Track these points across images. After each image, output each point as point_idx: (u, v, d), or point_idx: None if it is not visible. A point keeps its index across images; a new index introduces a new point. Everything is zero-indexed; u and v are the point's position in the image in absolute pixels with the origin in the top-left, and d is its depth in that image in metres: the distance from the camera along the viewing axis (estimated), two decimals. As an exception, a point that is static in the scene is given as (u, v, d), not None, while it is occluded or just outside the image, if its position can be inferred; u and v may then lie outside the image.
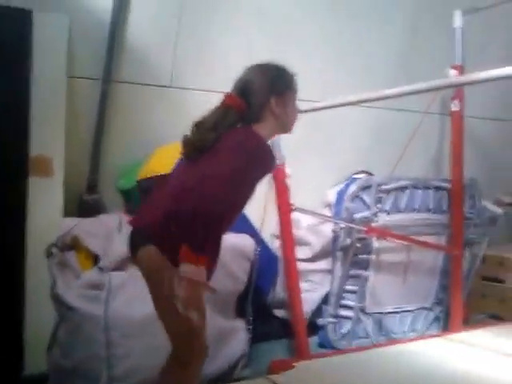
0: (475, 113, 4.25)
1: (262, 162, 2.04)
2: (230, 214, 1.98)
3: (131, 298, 2.84)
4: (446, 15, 3.94)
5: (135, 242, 2.04)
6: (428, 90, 2.80)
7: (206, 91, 3.71)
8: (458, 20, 3.92)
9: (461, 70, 3.85)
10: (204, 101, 3.70)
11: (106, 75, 3.44)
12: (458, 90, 3.87)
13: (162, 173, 3.20)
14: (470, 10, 3.89)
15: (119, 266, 2.99)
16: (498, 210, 4.42)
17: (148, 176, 3.29)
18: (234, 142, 1.99)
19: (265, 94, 2.07)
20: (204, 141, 2.02)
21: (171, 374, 2.05)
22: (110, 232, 3.15)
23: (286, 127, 2.20)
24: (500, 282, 4.48)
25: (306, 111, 3.35)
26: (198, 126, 2.06)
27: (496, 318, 4.37)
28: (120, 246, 2.98)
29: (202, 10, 3.62)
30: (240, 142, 1.99)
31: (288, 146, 3.22)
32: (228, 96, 2.10)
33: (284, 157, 3.26)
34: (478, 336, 3.73)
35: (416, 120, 3.98)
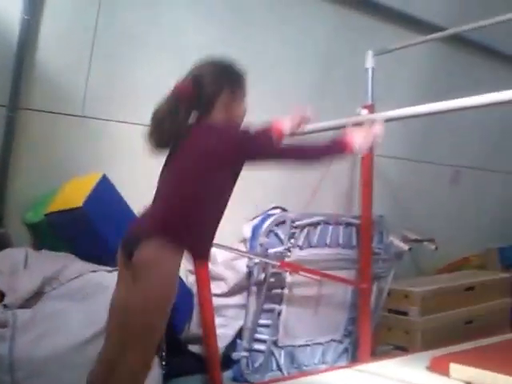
0: (384, 152, 4.39)
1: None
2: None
3: (38, 336, 2.70)
4: (358, 55, 4.04)
5: (132, 245, 1.96)
6: (338, 128, 2.85)
7: (119, 122, 3.64)
8: (369, 60, 3.92)
9: (371, 109, 3.87)
10: (117, 132, 3.69)
11: (13, 102, 3.31)
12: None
13: (72, 206, 3.10)
14: (381, 51, 3.90)
15: (25, 303, 2.85)
16: (404, 246, 4.58)
17: (57, 209, 3.16)
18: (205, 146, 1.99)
19: (218, 86, 2.06)
20: (161, 133, 2.02)
21: None
22: (16, 268, 3.00)
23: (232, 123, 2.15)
24: (404, 314, 4.61)
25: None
26: (152, 117, 2.03)
27: (401, 349, 4.48)
28: (26, 281, 2.84)
29: (115, 40, 3.58)
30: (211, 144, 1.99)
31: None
32: (180, 84, 2.06)
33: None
34: (384, 366, 3.80)
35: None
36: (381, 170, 4.46)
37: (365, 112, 3.88)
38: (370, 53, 3.94)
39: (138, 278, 1.92)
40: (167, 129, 2.01)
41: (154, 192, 2.11)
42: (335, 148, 2.19)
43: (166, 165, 2.11)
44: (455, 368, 3.49)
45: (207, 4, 3.91)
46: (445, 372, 3.53)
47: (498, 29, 3.75)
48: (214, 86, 2.06)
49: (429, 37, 3.96)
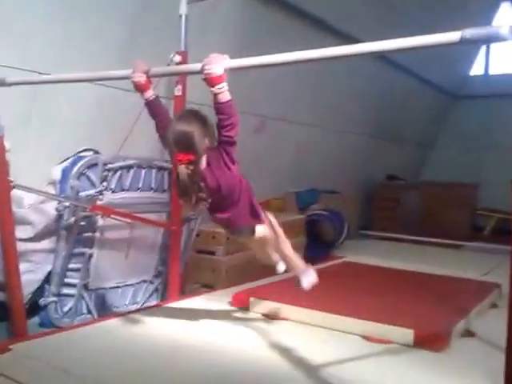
0: (196, 100, 4.37)
1: None
2: None
3: None
4: (171, 3, 3.93)
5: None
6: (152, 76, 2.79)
7: None
8: (183, 8, 3.89)
9: (185, 56, 3.88)
10: None
11: None
12: (181, 76, 3.94)
13: None
14: None
15: None
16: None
17: None
18: None
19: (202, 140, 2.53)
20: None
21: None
22: None
23: None
24: (212, 254, 4.75)
25: (33, 83, 3.08)
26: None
27: (208, 287, 4.63)
28: None
29: None
30: None
31: (8, 118, 2.91)
32: (180, 158, 2.50)
33: (3, 128, 2.94)
34: (190, 303, 3.93)
35: (141, 101, 3.95)
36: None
37: (178, 58, 3.86)
38: (183, 0, 3.89)
39: None
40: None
41: None
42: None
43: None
44: (254, 302, 3.77)
45: None
46: (245, 306, 3.79)
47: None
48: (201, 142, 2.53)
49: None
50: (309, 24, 5.69)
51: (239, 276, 4.68)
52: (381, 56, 6.61)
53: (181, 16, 3.90)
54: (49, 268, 3.59)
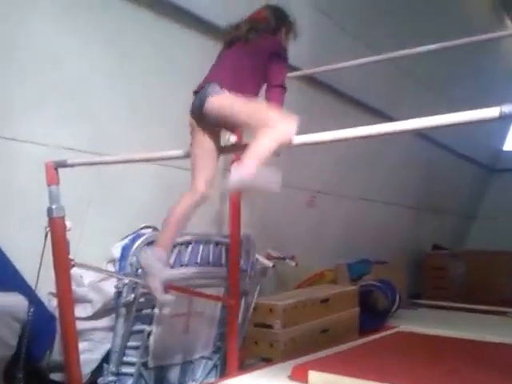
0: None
1: None
2: None
3: None
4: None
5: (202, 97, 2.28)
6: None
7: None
8: None
9: (240, 135, 3.62)
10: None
11: None
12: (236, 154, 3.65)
13: None
14: None
15: None
16: (268, 263, 4.30)
17: None
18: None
19: (281, 23, 2.60)
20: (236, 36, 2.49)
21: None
22: None
23: None
24: (269, 327, 4.28)
25: (93, 163, 2.83)
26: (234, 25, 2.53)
27: (266, 361, 4.13)
28: None
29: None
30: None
31: (69, 197, 2.63)
32: (257, 12, 2.59)
33: (63, 208, 2.65)
34: (249, 379, 3.44)
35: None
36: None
37: (234, 138, 3.57)
38: None
39: None
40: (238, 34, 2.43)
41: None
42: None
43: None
44: (314, 375, 3.30)
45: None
46: (304, 379, 3.30)
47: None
48: (278, 21, 2.56)
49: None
50: (354, 107, 5.49)
51: (298, 349, 4.19)
52: (422, 134, 6.39)
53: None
54: (107, 347, 3.19)
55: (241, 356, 3.80)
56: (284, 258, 4.83)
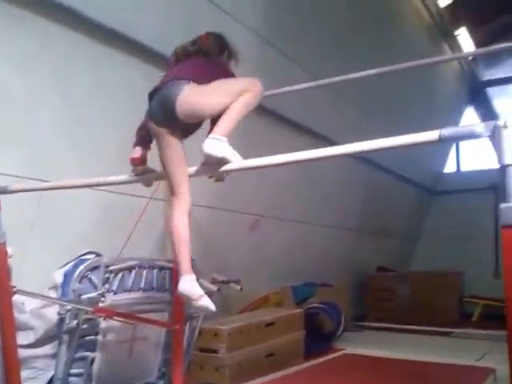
0: (195, 201, 4.26)
1: None
2: None
3: None
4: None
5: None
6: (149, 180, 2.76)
7: None
8: None
9: None
10: None
11: None
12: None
13: None
14: None
15: None
16: (213, 287, 4.43)
17: None
18: None
19: (222, 48, 2.71)
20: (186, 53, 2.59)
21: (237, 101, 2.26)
22: None
23: None
24: (214, 352, 4.41)
25: (34, 190, 2.95)
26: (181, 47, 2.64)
27: (211, 386, 4.26)
28: None
29: None
30: None
31: (11, 224, 2.73)
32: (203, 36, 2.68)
33: (5, 235, 2.74)
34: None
35: (143, 204, 3.82)
36: (192, 217, 4.31)
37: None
38: None
39: None
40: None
41: None
42: None
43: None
44: None
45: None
46: None
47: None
48: (220, 47, 2.66)
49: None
50: (296, 131, 5.77)
51: (243, 373, 4.35)
52: (364, 158, 6.71)
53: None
54: (51, 374, 3.25)
55: (186, 381, 3.89)
56: (229, 282, 4.98)
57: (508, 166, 1.60)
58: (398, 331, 7.13)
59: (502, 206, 1.60)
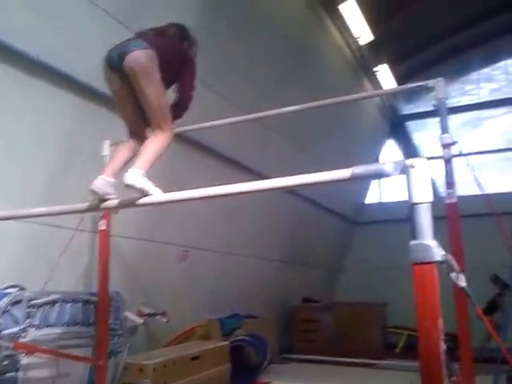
0: (120, 232, 4.37)
1: None
2: None
3: None
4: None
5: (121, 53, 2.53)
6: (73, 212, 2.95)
7: None
8: (106, 149, 4.05)
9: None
10: None
11: None
12: (105, 211, 3.90)
13: None
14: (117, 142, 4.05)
15: None
16: (139, 320, 4.50)
17: None
18: None
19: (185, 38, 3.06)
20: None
21: (154, 142, 2.59)
22: None
23: None
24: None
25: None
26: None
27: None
28: None
29: None
30: None
31: None
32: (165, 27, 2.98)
33: None
34: None
35: (69, 236, 3.87)
36: (117, 248, 4.40)
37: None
38: (106, 142, 4.05)
39: None
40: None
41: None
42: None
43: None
44: None
45: None
46: None
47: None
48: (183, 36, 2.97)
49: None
50: (223, 162, 5.98)
51: (169, 409, 4.39)
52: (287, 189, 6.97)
53: (103, 156, 4.02)
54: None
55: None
56: (155, 314, 5.02)
57: (416, 204, 1.70)
58: (323, 363, 7.31)
59: (411, 243, 1.67)
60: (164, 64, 2.60)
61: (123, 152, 2.74)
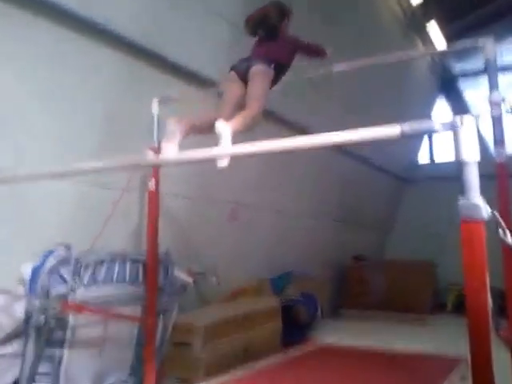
0: (170, 190, 4.22)
1: None
2: None
3: None
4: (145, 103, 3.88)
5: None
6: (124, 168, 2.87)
7: None
8: (155, 107, 3.87)
9: (158, 151, 3.71)
10: None
11: None
12: (154, 169, 3.78)
13: None
14: (164, 99, 3.87)
15: None
16: (189, 279, 4.41)
17: None
18: None
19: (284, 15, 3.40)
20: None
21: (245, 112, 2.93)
22: None
23: None
24: (188, 346, 4.38)
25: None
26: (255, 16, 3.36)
27: (187, 381, 4.24)
28: None
29: None
30: None
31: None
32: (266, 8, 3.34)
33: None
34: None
35: (114, 197, 3.75)
36: (167, 208, 4.26)
37: (151, 153, 3.70)
38: (155, 100, 3.89)
39: None
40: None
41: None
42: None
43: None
44: None
45: None
46: None
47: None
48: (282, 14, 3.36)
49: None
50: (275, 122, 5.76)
51: (217, 367, 4.32)
52: (340, 148, 6.78)
53: (153, 114, 3.85)
54: (15, 374, 3.17)
55: (159, 377, 3.86)
56: (205, 274, 4.95)
57: (464, 161, 1.66)
58: (373, 320, 7.31)
59: (460, 200, 1.65)
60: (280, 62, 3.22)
61: (210, 114, 3.00)
